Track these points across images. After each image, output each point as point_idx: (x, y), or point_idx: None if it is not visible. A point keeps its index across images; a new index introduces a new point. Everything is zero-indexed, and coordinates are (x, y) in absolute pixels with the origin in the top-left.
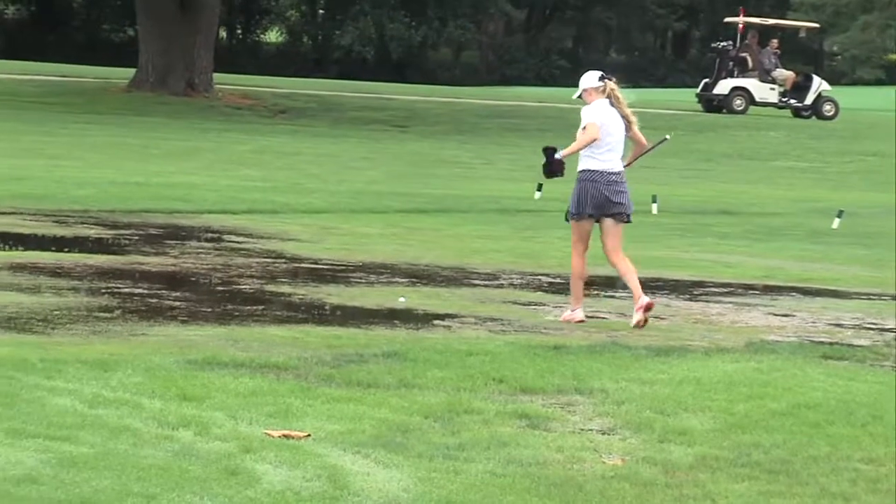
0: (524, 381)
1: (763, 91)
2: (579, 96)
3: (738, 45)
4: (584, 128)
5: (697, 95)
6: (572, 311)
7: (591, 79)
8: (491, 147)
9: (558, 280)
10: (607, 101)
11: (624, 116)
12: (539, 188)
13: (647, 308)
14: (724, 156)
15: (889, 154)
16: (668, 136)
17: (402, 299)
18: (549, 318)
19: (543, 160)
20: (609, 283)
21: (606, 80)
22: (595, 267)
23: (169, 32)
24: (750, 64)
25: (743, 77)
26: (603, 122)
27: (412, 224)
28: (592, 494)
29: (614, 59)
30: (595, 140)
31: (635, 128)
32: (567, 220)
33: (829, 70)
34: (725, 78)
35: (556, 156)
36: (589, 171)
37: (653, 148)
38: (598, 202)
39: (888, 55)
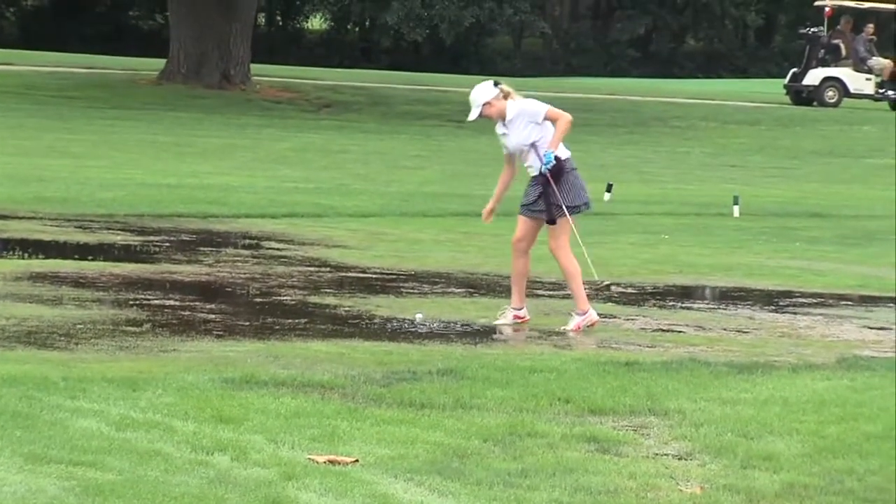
0: (593, 401)
1: (857, 81)
2: (480, 115)
3: (828, 30)
4: (546, 118)
5: (785, 86)
6: (582, 313)
7: (487, 90)
8: None
9: (630, 290)
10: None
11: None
12: (609, 189)
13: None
14: (814, 153)
15: None
16: None
17: (418, 316)
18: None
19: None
20: (685, 294)
21: (500, 87)
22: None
23: (203, 19)
24: (843, 51)
25: (835, 66)
26: None
27: (469, 229)
28: None
29: (691, 46)
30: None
31: None
32: (555, 219)
33: None
34: (816, 67)
35: (551, 158)
36: (570, 158)
37: None
38: (579, 191)
39: None
